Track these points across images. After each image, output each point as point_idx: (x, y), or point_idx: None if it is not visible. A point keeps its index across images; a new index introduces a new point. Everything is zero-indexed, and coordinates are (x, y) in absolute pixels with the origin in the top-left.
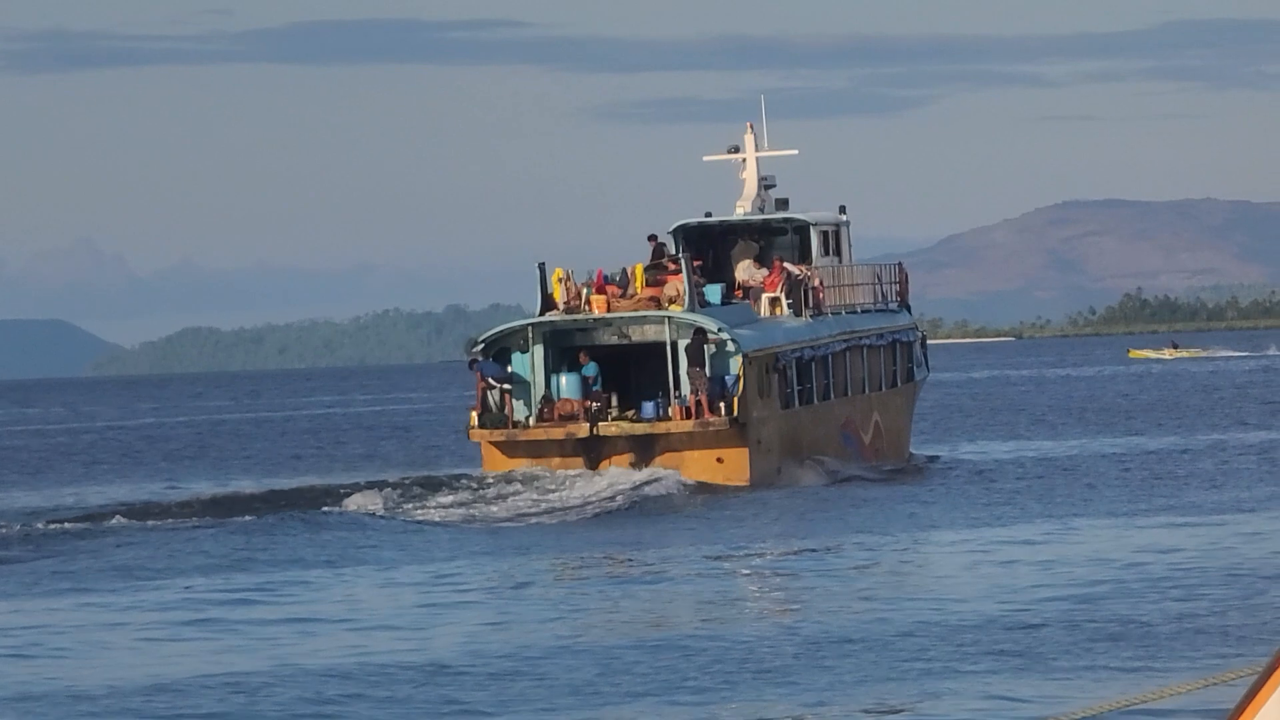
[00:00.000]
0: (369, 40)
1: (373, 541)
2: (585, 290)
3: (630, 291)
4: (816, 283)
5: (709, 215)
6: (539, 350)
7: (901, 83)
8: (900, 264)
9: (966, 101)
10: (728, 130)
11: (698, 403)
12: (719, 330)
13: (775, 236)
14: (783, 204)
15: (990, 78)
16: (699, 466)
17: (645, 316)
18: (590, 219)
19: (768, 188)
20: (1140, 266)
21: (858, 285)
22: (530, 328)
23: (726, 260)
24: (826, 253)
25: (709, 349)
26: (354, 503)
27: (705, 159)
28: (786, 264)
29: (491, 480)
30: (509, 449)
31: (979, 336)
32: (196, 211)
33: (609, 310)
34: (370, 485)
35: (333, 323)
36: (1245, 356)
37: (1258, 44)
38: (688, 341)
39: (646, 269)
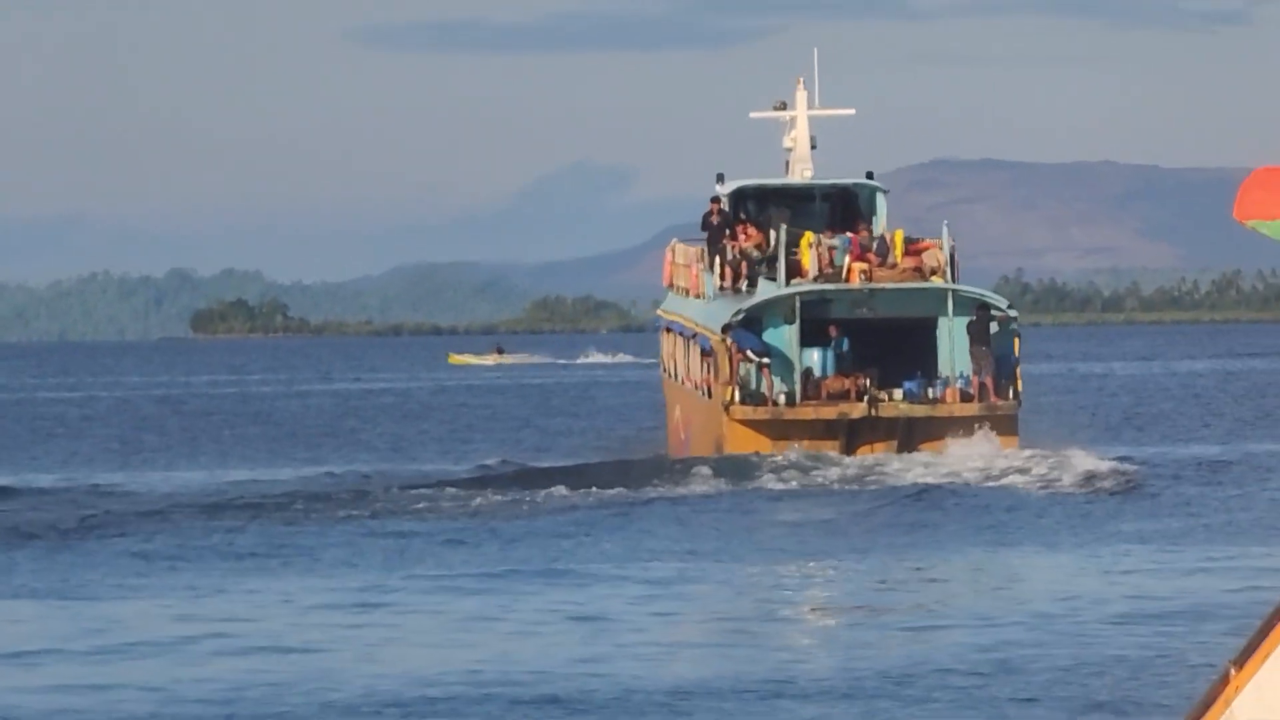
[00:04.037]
0: None
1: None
2: (844, 257)
3: (890, 260)
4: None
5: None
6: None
7: (731, 7)
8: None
9: (812, 34)
10: (515, 62)
11: (981, 385)
12: (1008, 307)
13: (804, 203)
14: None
15: (845, 7)
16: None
17: (926, 289)
18: (350, 172)
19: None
20: (1022, 243)
21: None
22: (796, 297)
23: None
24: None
25: (994, 327)
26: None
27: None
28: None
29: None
30: (768, 429)
31: None
32: None
33: (870, 280)
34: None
35: (26, 287)
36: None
37: None
38: (970, 319)
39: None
